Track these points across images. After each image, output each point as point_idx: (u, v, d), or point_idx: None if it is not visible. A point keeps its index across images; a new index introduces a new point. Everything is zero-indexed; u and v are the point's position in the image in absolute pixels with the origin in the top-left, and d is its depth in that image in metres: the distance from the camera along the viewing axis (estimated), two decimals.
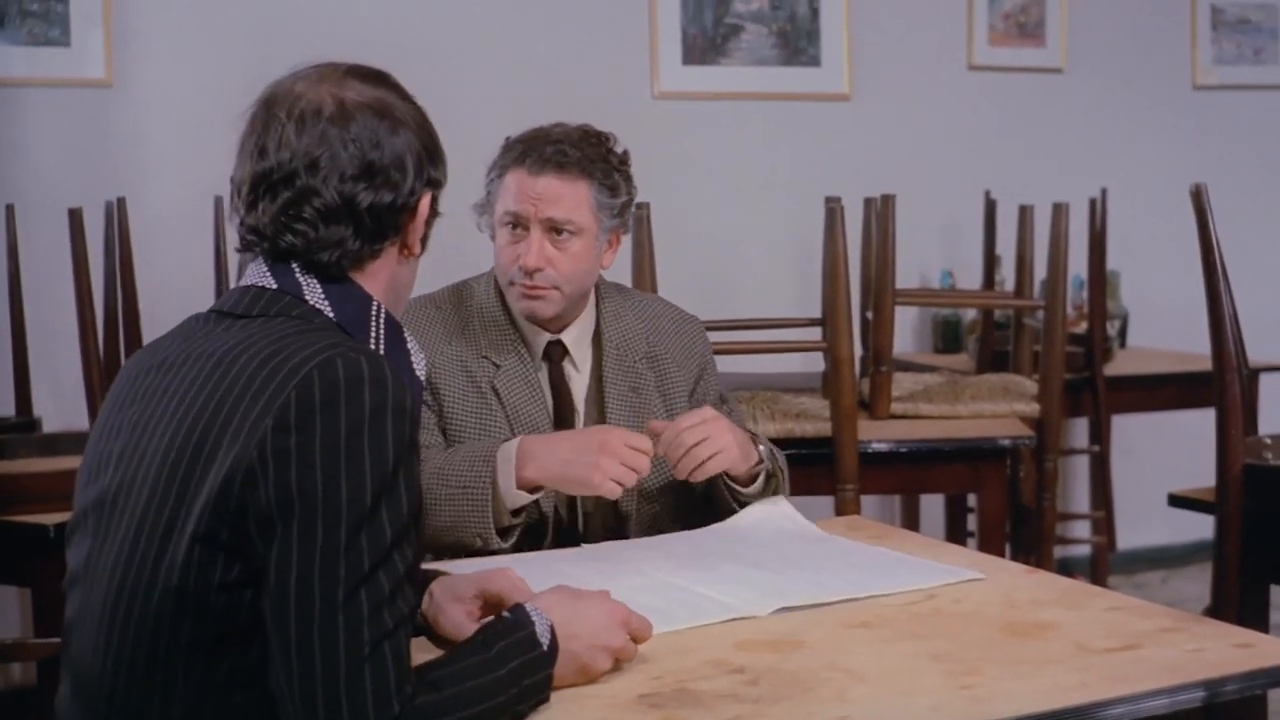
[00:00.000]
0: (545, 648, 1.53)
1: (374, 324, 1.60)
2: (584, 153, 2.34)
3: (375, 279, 1.62)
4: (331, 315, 1.56)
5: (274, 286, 1.57)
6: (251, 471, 1.39)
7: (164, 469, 1.45)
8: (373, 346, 1.58)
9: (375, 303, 1.61)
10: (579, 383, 2.43)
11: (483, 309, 2.42)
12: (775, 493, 2.39)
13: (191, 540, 1.41)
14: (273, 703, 1.41)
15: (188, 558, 1.41)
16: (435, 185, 1.64)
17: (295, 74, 1.62)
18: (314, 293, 1.57)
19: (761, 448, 2.36)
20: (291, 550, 1.37)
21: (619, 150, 2.41)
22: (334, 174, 1.55)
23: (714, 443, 2.24)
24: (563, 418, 2.40)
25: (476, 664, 1.46)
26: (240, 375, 1.45)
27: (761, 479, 2.36)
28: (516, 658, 1.49)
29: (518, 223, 2.34)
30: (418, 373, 1.64)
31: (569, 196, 2.32)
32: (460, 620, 1.72)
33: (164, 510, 1.44)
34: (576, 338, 2.42)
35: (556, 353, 2.41)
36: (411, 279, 1.70)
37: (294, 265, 1.57)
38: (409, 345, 1.64)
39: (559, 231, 2.32)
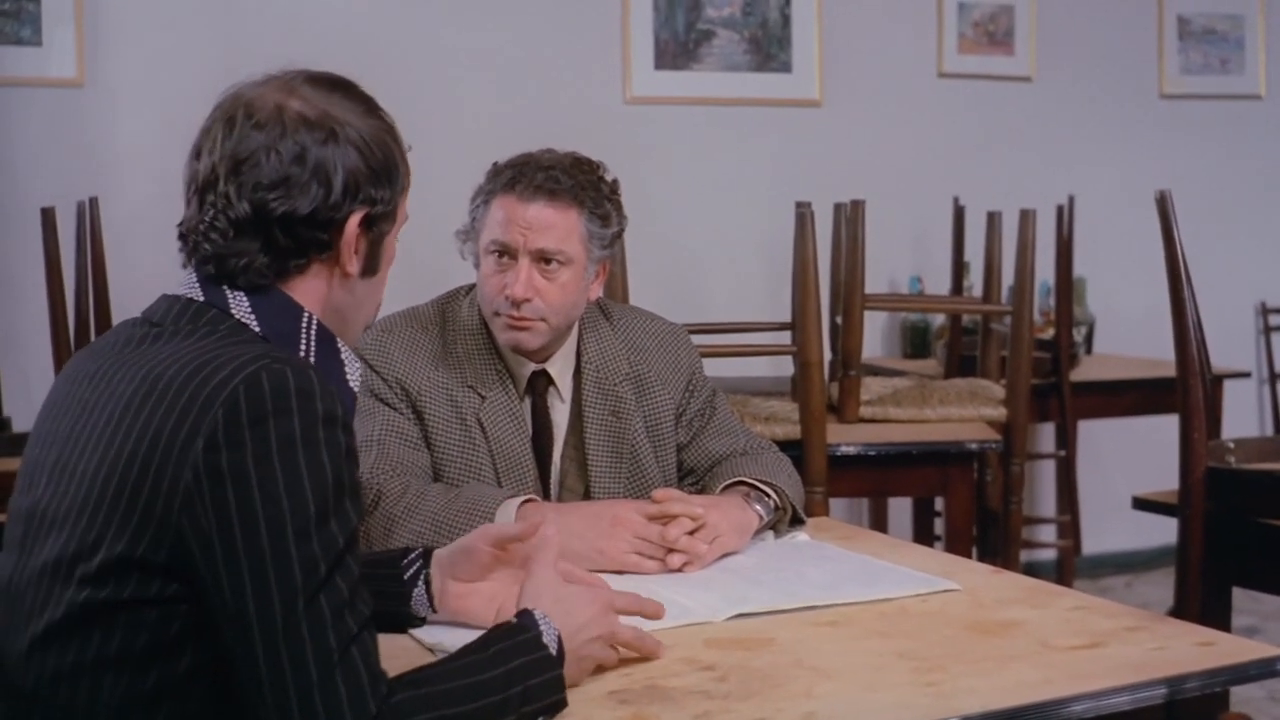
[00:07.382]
0: (552, 651, 1.53)
1: (304, 335, 1.55)
2: (575, 180, 2.25)
3: (303, 297, 1.56)
4: (257, 329, 1.51)
5: (200, 299, 1.52)
6: (188, 493, 1.37)
7: (94, 487, 1.42)
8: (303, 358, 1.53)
9: (306, 313, 1.55)
10: (561, 412, 2.36)
11: (467, 335, 2.33)
12: (794, 523, 2.32)
13: (125, 559, 1.39)
14: (200, 715, 1.41)
15: (122, 574, 1.39)
16: (373, 204, 1.55)
17: (259, 78, 1.56)
18: (240, 305, 1.52)
19: (767, 502, 2.27)
20: (241, 568, 1.35)
21: (609, 178, 2.33)
22: (251, 181, 1.49)
23: (707, 533, 2.14)
24: (542, 449, 2.34)
25: (469, 664, 1.46)
26: (166, 392, 1.41)
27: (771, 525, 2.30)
28: (517, 658, 1.49)
29: (505, 251, 2.26)
30: (351, 384, 1.59)
31: (560, 225, 2.24)
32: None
33: (92, 529, 1.41)
34: (561, 368, 2.35)
35: (541, 383, 2.34)
36: (361, 303, 1.63)
37: (216, 273, 1.53)
38: (343, 355, 1.59)
39: (548, 261, 2.24)
